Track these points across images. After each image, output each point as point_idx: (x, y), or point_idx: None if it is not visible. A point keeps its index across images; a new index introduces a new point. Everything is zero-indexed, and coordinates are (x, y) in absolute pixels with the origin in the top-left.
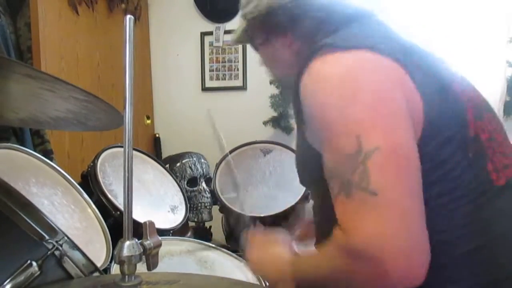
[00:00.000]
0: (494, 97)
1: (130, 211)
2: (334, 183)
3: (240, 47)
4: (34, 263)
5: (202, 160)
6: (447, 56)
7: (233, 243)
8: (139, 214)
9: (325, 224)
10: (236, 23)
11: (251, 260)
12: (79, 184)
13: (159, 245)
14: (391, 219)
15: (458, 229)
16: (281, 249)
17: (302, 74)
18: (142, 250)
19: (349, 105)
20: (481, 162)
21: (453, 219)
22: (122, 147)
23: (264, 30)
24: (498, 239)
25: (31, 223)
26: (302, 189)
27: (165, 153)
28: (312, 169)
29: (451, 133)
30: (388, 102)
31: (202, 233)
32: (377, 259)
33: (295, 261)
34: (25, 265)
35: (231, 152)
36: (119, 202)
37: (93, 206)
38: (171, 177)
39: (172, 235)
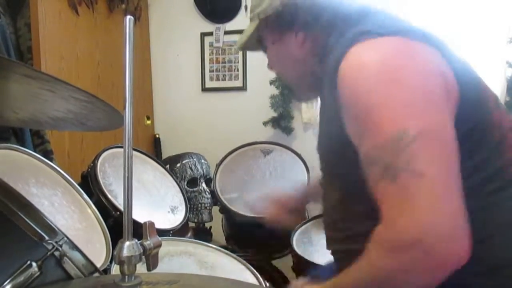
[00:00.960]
0: None
1: (130, 212)
2: (376, 169)
3: None
4: (34, 264)
5: (202, 161)
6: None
7: (233, 244)
8: (139, 214)
9: (345, 222)
10: (236, 23)
11: None
12: (79, 184)
13: (159, 246)
14: (439, 201)
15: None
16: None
17: (339, 63)
18: (142, 251)
19: (391, 88)
20: (505, 148)
21: (478, 201)
22: (122, 147)
23: (277, 29)
24: (501, 229)
25: (31, 223)
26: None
27: (165, 154)
28: (339, 161)
29: (480, 118)
30: (430, 87)
31: (202, 234)
32: (424, 245)
33: (335, 281)
34: (25, 265)
35: (231, 152)
36: (119, 203)
37: (93, 206)
38: (171, 178)
39: (172, 236)
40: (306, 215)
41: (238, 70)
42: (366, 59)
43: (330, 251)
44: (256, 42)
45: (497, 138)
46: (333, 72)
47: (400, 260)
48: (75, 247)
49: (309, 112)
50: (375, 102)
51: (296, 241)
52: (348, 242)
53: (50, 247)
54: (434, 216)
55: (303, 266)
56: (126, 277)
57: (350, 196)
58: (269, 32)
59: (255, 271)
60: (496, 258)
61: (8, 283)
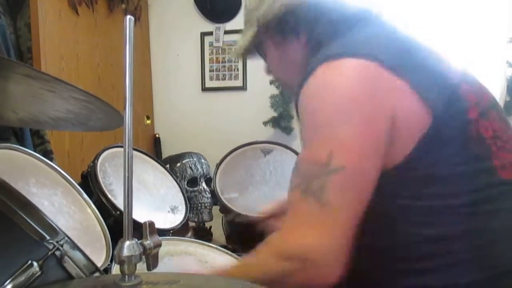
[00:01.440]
0: None
1: (130, 211)
2: (296, 179)
3: None
4: (35, 263)
5: (202, 160)
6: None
7: (233, 244)
8: (139, 214)
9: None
10: (236, 23)
11: None
12: (79, 184)
13: (159, 245)
14: (331, 233)
15: (459, 226)
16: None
17: (307, 79)
18: (142, 250)
19: (336, 120)
20: (485, 159)
21: (456, 216)
22: (122, 147)
23: (278, 33)
24: (499, 235)
25: (32, 223)
26: None
27: (165, 153)
28: None
29: (453, 133)
30: (371, 131)
31: (202, 233)
32: (304, 266)
33: (230, 268)
34: (26, 265)
35: (231, 152)
36: (119, 202)
37: (93, 206)
38: (171, 177)
39: (172, 235)
40: None
41: (238, 70)
42: (326, 80)
43: None
44: (254, 48)
45: (475, 148)
46: (299, 87)
47: (280, 265)
48: (76, 247)
49: None
50: (318, 124)
51: None
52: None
53: (51, 246)
54: (322, 243)
55: None
56: (126, 276)
57: None
58: (269, 37)
59: None
60: (495, 267)
61: (9, 282)
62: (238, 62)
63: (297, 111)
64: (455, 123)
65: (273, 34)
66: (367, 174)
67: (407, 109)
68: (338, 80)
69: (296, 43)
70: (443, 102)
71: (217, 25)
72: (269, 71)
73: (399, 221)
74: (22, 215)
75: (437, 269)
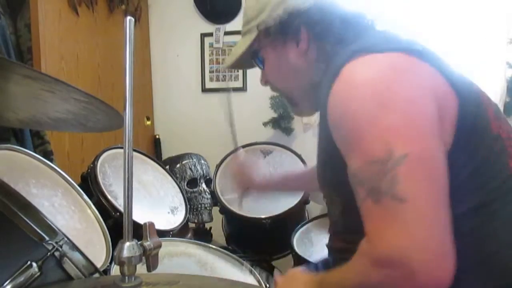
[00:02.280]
0: (494, 98)
1: (130, 212)
2: (361, 189)
3: None
4: (34, 264)
5: (202, 161)
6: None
7: (233, 244)
8: (139, 215)
9: (345, 233)
10: (236, 24)
11: None
12: (79, 185)
13: (159, 246)
14: (418, 227)
15: (471, 233)
16: (306, 276)
17: (333, 82)
18: (142, 251)
19: (381, 111)
20: (504, 160)
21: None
22: (122, 148)
23: (279, 39)
24: (504, 245)
25: (31, 224)
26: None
27: (165, 154)
28: (336, 178)
29: (478, 125)
30: (420, 109)
31: (202, 234)
32: (406, 267)
33: (322, 279)
34: (25, 266)
35: (231, 153)
36: (119, 203)
37: (93, 207)
38: (171, 178)
39: (172, 236)
40: (306, 215)
41: (238, 71)
42: (356, 79)
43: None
44: (250, 56)
45: (497, 149)
46: (327, 92)
47: (380, 273)
48: (75, 248)
49: None
50: (363, 123)
51: (296, 241)
52: (349, 252)
53: (50, 247)
54: (411, 241)
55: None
56: (126, 277)
57: (349, 210)
58: (268, 43)
59: (254, 271)
60: (503, 274)
61: (9, 283)
62: None
63: (324, 112)
64: (479, 117)
65: (272, 41)
66: (434, 155)
67: (444, 93)
68: (369, 73)
69: (296, 49)
70: (467, 93)
71: (217, 26)
72: (266, 80)
73: None
74: (22, 216)
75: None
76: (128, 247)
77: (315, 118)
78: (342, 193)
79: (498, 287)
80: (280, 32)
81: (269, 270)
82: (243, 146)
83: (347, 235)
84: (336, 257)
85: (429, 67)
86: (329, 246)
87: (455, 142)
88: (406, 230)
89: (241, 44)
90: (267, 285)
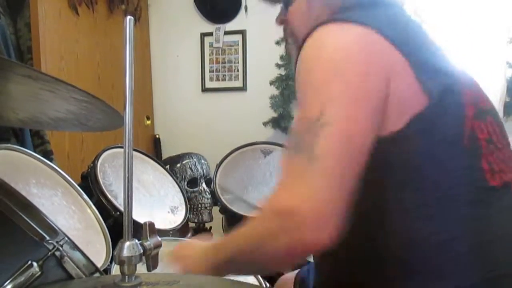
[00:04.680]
0: (494, 97)
1: (130, 212)
2: (290, 139)
3: (240, 48)
4: (34, 264)
5: (202, 161)
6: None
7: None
8: (139, 214)
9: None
10: (236, 24)
11: (172, 263)
12: (79, 184)
13: (159, 246)
14: (320, 187)
15: (456, 226)
16: (203, 242)
17: (305, 41)
18: (142, 251)
19: (330, 75)
20: (476, 157)
21: (450, 213)
22: (122, 147)
23: None
24: (495, 237)
25: (32, 223)
26: None
27: (165, 154)
28: None
29: (447, 123)
30: (365, 89)
31: (202, 234)
32: (294, 218)
33: (217, 243)
34: (26, 265)
35: (231, 152)
36: (119, 203)
37: (93, 206)
38: (171, 178)
39: (172, 236)
40: None
41: (238, 71)
42: (322, 41)
43: None
44: None
45: (467, 144)
46: (299, 49)
47: (273, 222)
48: (75, 247)
49: None
50: (311, 81)
51: None
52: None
53: (51, 247)
54: (311, 198)
55: (303, 266)
56: (126, 277)
57: None
58: None
59: None
60: (493, 267)
61: (9, 283)
62: (238, 62)
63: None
64: (450, 114)
65: None
66: (360, 130)
67: (402, 84)
68: (335, 40)
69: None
70: (439, 89)
71: (217, 25)
72: (281, 20)
73: (392, 215)
74: (22, 215)
75: (434, 272)
76: (128, 247)
77: None
78: None
79: (486, 279)
80: None
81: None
82: (243, 146)
83: None
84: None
85: (396, 52)
86: None
87: (408, 128)
88: (308, 185)
89: None
90: (267, 285)
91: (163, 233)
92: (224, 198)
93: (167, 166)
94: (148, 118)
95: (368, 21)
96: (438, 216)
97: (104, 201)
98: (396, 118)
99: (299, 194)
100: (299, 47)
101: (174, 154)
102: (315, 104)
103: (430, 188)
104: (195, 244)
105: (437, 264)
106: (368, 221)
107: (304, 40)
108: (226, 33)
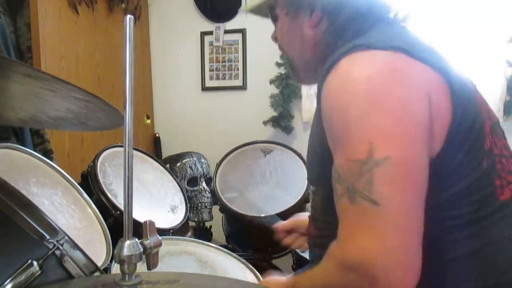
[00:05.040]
0: (494, 97)
1: (130, 211)
2: (339, 186)
3: (240, 46)
4: (35, 263)
5: (202, 160)
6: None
7: (233, 243)
8: (139, 213)
9: (323, 222)
10: (236, 23)
11: None
12: (79, 184)
13: (159, 245)
14: (388, 233)
15: (461, 238)
16: (280, 280)
17: (329, 72)
18: (142, 250)
19: (370, 110)
20: (492, 176)
21: (458, 228)
22: (122, 146)
23: (294, 2)
24: (497, 245)
25: (32, 222)
26: (303, 189)
27: (165, 153)
28: (321, 170)
29: (471, 142)
30: (411, 114)
31: (202, 233)
32: (369, 272)
33: (296, 280)
34: (26, 264)
35: (231, 151)
36: (119, 202)
37: (93, 206)
38: (171, 177)
39: (172, 235)
40: None
41: (238, 69)
42: (352, 73)
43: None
44: (268, 9)
45: (486, 164)
46: (322, 82)
47: (345, 277)
48: (76, 246)
49: (309, 111)
50: (351, 119)
51: None
52: (323, 243)
53: (51, 246)
54: (381, 246)
55: (303, 266)
56: (127, 276)
57: (329, 203)
58: (284, 3)
59: (255, 270)
60: (496, 275)
61: (9, 282)
62: (238, 61)
63: (318, 101)
64: (474, 133)
65: (288, 2)
66: (416, 162)
67: (439, 99)
68: (366, 70)
69: (309, 19)
70: (463, 105)
71: (217, 24)
72: (276, 38)
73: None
74: (22, 214)
75: (435, 279)
76: (128, 246)
77: None
78: (325, 185)
79: (492, 285)
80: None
81: (269, 269)
82: (244, 145)
83: (320, 224)
84: (310, 243)
85: (430, 70)
86: (307, 232)
87: (445, 148)
88: (376, 234)
89: None
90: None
91: (163, 232)
92: (224, 197)
93: (167, 165)
94: (148, 117)
95: (393, 44)
96: (444, 228)
97: (104, 200)
98: (439, 136)
99: (373, 244)
100: (321, 79)
101: (174, 153)
102: (360, 143)
103: (442, 207)
104: (274, 283)
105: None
106: None
107: (327, 71)
108: (226, 32)
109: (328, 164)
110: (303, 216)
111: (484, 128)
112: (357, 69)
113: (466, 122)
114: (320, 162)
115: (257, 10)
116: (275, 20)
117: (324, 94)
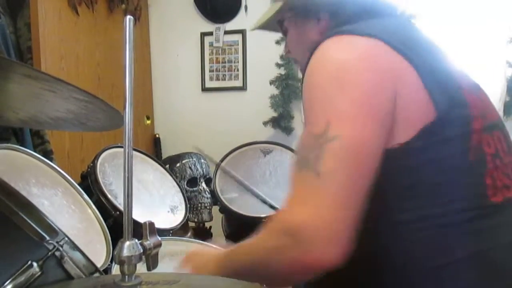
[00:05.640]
0: (494, 97)
1: (130, 211)
2: (297, 155)
3: (240, 47)
4: (34, 264)
5: (202, 161)
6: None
7: (233, 244)
8: (139, 214)
9: None
10: (236, 23)
11: (184, 264)
12: (79, 184)
13: (159, 245)
14: (325, 205)
15: (453, 236)
16: (215, 250)
17: (313, 53)
18: (142, 250)
19: (334, 90)
20: (480, 172)
21: (449, 224)
22: (122, 147)
23: (301, 13)
24: (493, 250)
25: (32, 223)
26: None
27: (165, 153)
28: None
29: (454, 135)
30: (370, 100)
31: (202, 234)
32: (300, 238)
33: (229, 252)
34: (26, 265)
35: (231, 152)
36: (119, 202)
37: (93, 206)
38: (171, 177)
39: (172, 236)
40: None
41: (238, 70)
42: (325, 55)
43: None
44: (276, 24)
45: (473, 158)
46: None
47: (278, 240)
48: (75, 247)
49: None
50: (316, 97)
51: None
52: None
53: (51, 247)
54: (315, 216)
55: None
56: (126, 277)
57: None
58: (292, 15)
59: None
60: (497, 279)
61: (9, 283)
62: (238, 62)
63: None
64: (458, 126)
65: (295, 14)
66: (367, 144)
67: (411, 95)
68: (340, 53)
69: (317, 26)
70: (448, 102)
71: (217, 25)
72: (288, 51)
73: (393, 226)
74: (22, 215)
75: (432, 281)
76: (128, 246)
77: None
78: None
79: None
80: (303, 7)
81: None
82: (243, 146)
83: None
84: None
85: (406, 63)
86: None
87: (419, 136)
88: (313, 204)
89: (270, 10)
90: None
91: (163, 232)
92: (223, 198)
93: (167, 166)
94: (148, 118)
95: (374, 31)
96: (437, 229)
97: (104, 200)
98: (404, 130)
99: (307, 212)
100: (307, 63)
101: (173, 154)
102: (321, 119)
103: (432, 201)
104: (208, 250)
105: (434, 270)
106: (369, 235)
107: (311, 52)
108: (226, 32)
109: None
110: None
111: (470, 124)
112: (332, 52)
113: (447, 120)
114: None
115: (266, 26)
116: (285, 34)
117: (305, 75)
